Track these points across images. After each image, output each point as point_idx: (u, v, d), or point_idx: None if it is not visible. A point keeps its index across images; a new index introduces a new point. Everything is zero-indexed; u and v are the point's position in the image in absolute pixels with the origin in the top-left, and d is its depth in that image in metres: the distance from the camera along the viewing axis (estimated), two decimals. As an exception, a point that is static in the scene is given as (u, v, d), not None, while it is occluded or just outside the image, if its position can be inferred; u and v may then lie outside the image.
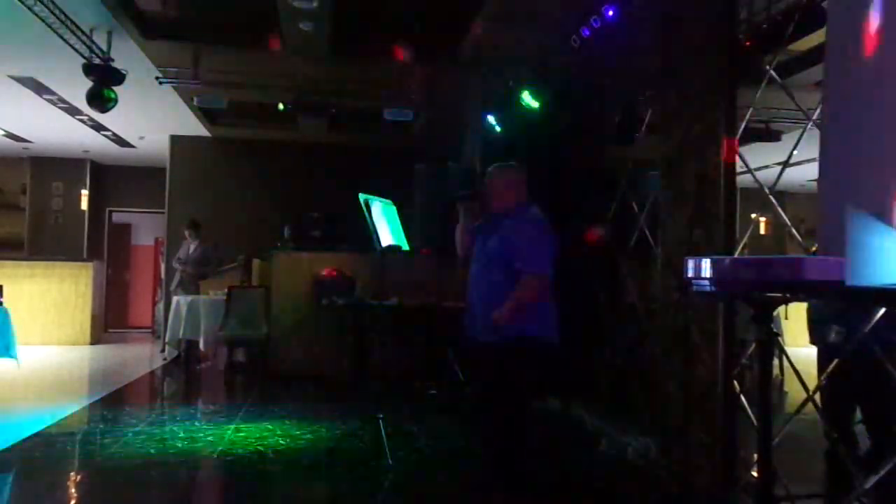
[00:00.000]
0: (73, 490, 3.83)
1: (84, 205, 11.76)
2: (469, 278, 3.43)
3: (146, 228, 12.82)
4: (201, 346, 7.53)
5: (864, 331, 2.96)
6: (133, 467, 4.07)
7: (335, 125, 8.92)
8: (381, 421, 4.20)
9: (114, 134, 9.91)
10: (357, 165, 9.23)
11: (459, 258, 3.63)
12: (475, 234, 3.46)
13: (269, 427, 5.12)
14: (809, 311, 3.76)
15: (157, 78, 6.92)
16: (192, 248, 8.81)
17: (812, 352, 3.63)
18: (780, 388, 5.98)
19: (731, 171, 3.56)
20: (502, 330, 3.15)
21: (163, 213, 10.44)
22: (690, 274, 1.98)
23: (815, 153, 2.02)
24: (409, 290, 6.78)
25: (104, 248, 12.23)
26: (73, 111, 8.44)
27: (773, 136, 7.34)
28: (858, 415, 3.58)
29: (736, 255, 3.42)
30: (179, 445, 4.58)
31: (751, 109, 3.82)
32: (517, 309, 3.12)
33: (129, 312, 12.82)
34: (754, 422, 2.82)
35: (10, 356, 5.76)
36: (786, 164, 3.58)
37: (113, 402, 6.19)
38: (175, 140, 10.20)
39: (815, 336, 3.66)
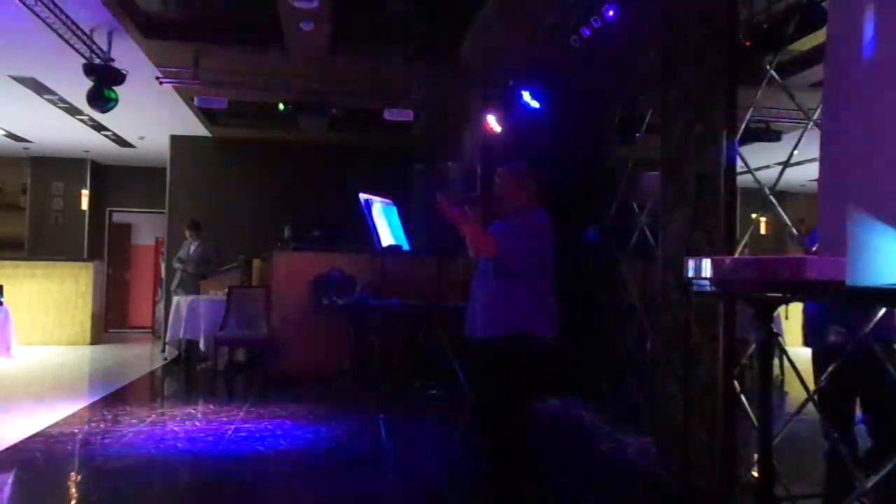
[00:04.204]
0: (73, 490, 3.82)
1: (84, 205, 11.77)
2: (472, 279, 3.44)
3: (146, 228, 12.81)
4: (201, 346, 7.52)
5: (864, 331, 2.96)
6: (133, 467, 4.07)
7: (335, 125, 8.91)
8: (381, 421, 4.20)
9: (114, 134, 9.92)
10: (357, 165, 9.24)
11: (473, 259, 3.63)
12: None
13: (269, 427, 5.12)
14: (804, 314, 3.75)
15: (157, 78, 6.93)
16: (192, 248, 8.81)
17: (812, 352, 3.63)
18: (780, 388, 5.98)
19: (731, 171, 3.56)
20: (498, 327, 3.16)
21: (163, 213, 10.45)
22: (690, 274, 1.97)
23: (815, 153, 2.01)
24: (409, 290, 6.79)
25: (104, 248, 12.24)
26: (73, 111, 8.45)
27: (773, 136, 7.33)
28: (859, 415, 3.58)
29: (736, 255, 3.42)
30: (179, 445, 4.58)
31: (751, 109, 3.83)
32: (463, 230, 3.22)
33: (129, 312, 12.82)
34: (754, 422, 2.82)
35: (9, 355, 5.77)
36: (786, 164, 3.58)
37: (113, 402, 6.18)
38: (175, 140, 10.20)
39: (810, 338, 3.66)
